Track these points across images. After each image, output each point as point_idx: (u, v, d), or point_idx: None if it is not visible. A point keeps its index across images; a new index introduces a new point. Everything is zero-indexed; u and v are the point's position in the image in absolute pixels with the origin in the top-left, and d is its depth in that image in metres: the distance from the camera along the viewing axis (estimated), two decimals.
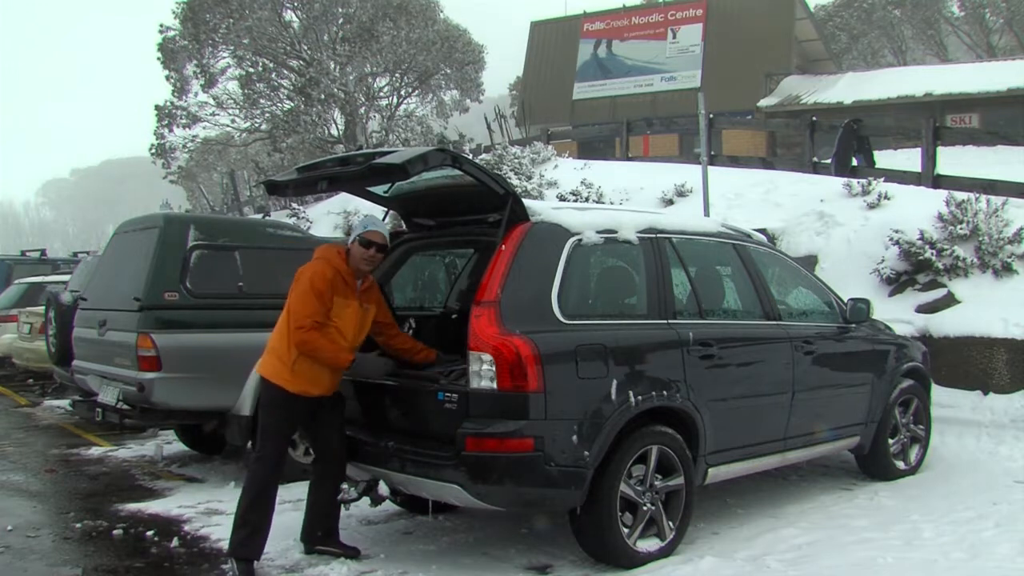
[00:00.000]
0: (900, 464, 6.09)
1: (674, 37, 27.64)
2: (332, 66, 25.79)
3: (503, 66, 35.25)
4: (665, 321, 4.53)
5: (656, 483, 4.35)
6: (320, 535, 4.53)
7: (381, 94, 28.03)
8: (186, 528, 5.16)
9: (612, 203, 11.55)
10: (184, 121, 26.35)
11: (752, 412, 4.93)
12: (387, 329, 4.61)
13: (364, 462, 4.44)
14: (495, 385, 3.86)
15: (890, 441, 6.01)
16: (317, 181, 4.43)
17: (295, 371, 4.24)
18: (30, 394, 11.43)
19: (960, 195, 8.92)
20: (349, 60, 25.76)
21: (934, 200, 9.27)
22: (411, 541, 4.84)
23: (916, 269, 8.37)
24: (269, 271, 6.20)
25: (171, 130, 26.43)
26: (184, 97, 26.32)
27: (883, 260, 8.60)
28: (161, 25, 25.63)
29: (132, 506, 5.70)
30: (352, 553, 4.49)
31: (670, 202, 12.06)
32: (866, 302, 5.78)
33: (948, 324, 7.61)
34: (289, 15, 25.99)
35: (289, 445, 4.44)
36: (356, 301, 4.36)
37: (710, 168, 9.86)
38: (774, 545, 4.61)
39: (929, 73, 25.65)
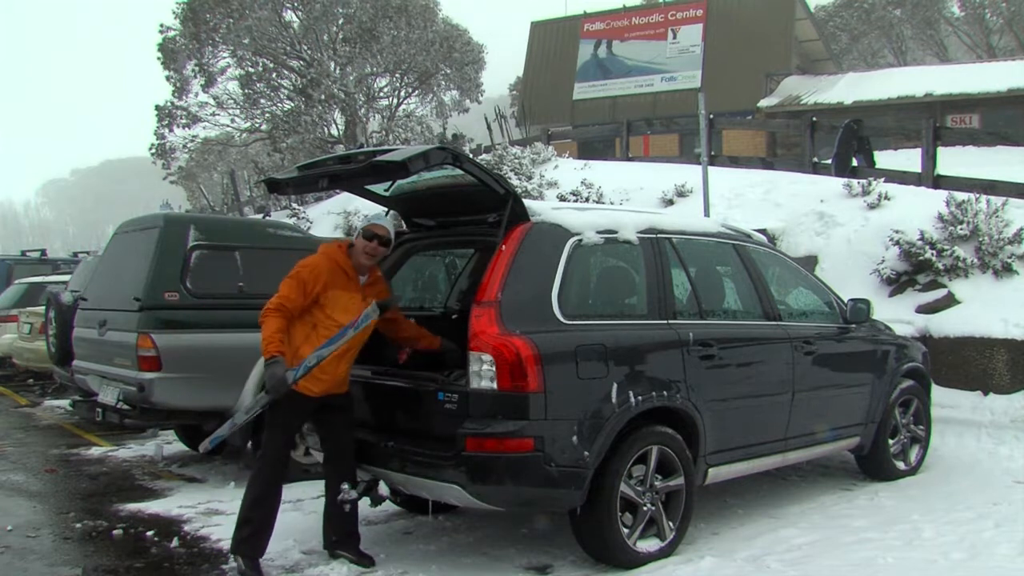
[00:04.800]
0: (900, 464, 6.09)
1: (674, 37, 27.63)
2: (332, 66, 25.80)
3: (503, 66, 35.28)
4: (665, 321, 4.53)
5: (656, 483, 4.35)
6: (334, 539, 4.48)
7: (381, 94, 28.06)
8: (186, 528, 5.16)
9: (612, 203, 11.54)
10: (184, 121, 26.38)
11: (752, 412, 4.93)
12: (392, 323, 4.59)
13: (364, 462, 4.43)
14: (495, 385, 3.87)
15: (890, 441, 6.01)
16: (318, 179, 4.42)
17: None
18: (30, 394, 11.44)
19: (960, 195, 8.92)
20: (349, 60, 25.77)
21: (934, 200, 9.27)
22: (411, 541, 4.84)
23: (916, 269, 8.37)
24: (269, 271, 6.18)
25: (171, 130, 26.46)
26: (184, 97, 26.35)
27: (883, 260, 8.60)
28: (161, 25, 25.67)
29: (132, 506, 5.70)
30: (367, 563, 4.39)
31: (670, 202, 12.05)
32: (866, 302, 5.78)
33: (948, 324, 7.61)
34: (289, 15, 26.00)
35: (292, 444, 4.41)
36: (359, 294, 4.34)
37: (710, 168, 9.85)
38: (774, 545, 4.61)
39: (929, 73, 25.62)
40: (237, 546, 4.24)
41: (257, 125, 27.11)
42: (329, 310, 4.24)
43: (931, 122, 12.11)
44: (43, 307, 9.27)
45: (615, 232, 4.53)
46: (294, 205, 18.74)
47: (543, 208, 4.44)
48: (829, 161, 13.72)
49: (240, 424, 4.29)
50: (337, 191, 12.94)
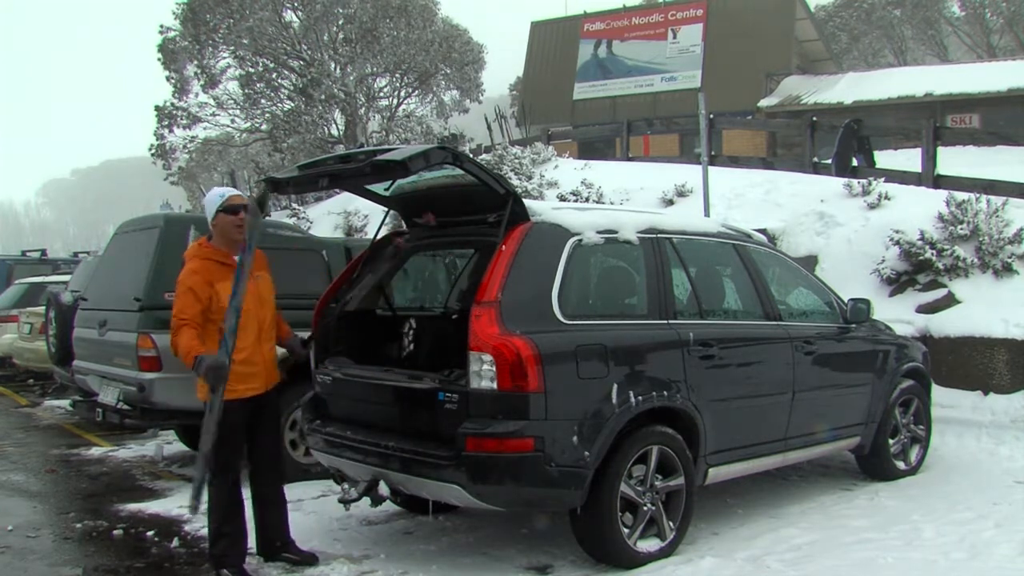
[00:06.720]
0: (900, 464, 6.08)
1: (674, 37, 27.64)
2: (333, 66, 25.80)
3: (503, 66, 35.25)
4: (665, 321, 4.53)
5: (656, 483, 4.35)
6: (279, 545, 4.45)
7: (381, 94, 28.05)
8: (186, 528, 5.16)
9: (612, 203, 11.54)
10: (184, 122, 26.33)
11: (753, 412, 4.93)
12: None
13: (364, 462, 4.43)
14: (495, 385, 3.86)
15: (890, 441, 6.01)
16: (318, 179, 4.40)
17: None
18: (30, 394, 11.44)
19: (960, 195, 8.91)
20: (350, 61, 25.76)
21: (934, 200, 9.27)
22: (411, 541, 4.84)
23: (916, 269, 8.36)
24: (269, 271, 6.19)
25: (171, 130, 26.42)
26: (184, 98, 26.30)
27: (883, 260, 8.60)
28: (161, 26, 25.64)
29: (132, 506, 5.70)
30: (310, 560, 4.41)
31: (670, 202, 12.05)
32: (866, 302, 5.78)
33: (948, 324, 7.60)
34: (289, 15, 25.98)
35: (242, 454, 4.37)
36: None
37: (710, 168, 9.85)
38: (774, 545, 4.61)
39: (929, 73, 25.63)
40: (220, 561, 4.18)
41: (257, 125, 27.08)
42: (224, 303, 4.16)
43: (931, 122, 12.14)
44: (43, 307, 9.27)
45: (615, 232, 4.53)
46: (294, 205, 18.74)
47: (543, 208, 4.44)
48: (829, 161, 13.74)
49: (207, 451, 4.00)
50: (337, 191, 12.94)
